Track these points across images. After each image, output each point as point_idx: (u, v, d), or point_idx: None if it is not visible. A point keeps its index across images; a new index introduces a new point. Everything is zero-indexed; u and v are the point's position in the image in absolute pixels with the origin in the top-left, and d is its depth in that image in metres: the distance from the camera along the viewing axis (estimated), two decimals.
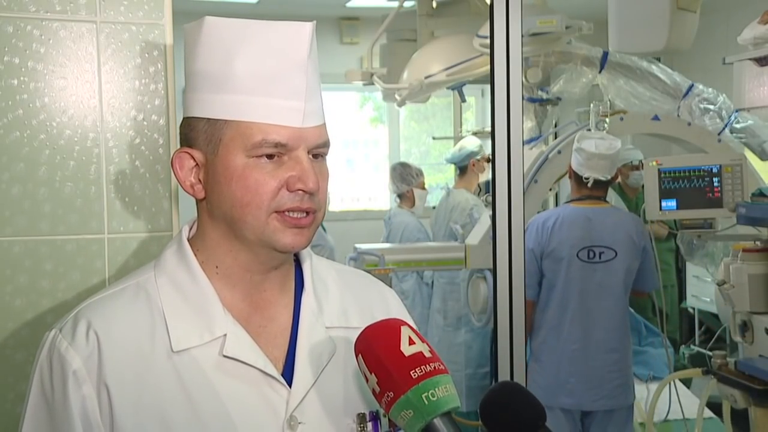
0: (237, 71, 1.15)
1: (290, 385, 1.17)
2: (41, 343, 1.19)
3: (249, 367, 1.16)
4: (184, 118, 1.22)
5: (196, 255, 1.21)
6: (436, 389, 1.04)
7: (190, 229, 1.26)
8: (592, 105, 3.73)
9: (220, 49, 1.16)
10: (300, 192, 1.16)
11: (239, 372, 1.16)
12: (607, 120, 3.70)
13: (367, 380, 1.08)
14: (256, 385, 1.16)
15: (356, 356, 1.09)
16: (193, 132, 1.19)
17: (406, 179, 5.29)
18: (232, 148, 1.16)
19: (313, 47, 1.17)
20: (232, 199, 1.16)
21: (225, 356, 1.15)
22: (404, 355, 1.05)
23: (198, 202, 1.23)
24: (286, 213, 1.16)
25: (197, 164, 1.20)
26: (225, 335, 1.16)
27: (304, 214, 1.17)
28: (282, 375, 1.18)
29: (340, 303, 1.27)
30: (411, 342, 1.07)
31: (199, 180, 1.20)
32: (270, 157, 1.15)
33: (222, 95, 1.16)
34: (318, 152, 1.19)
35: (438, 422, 1.03)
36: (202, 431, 1.13)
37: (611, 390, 3.53)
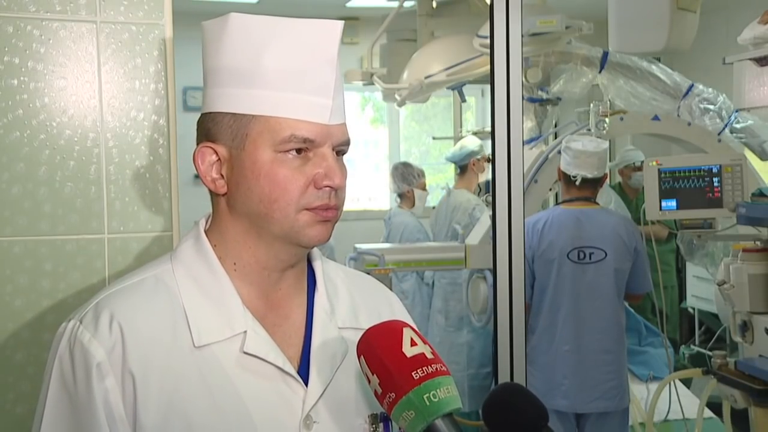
0: (266, 66, 1.15)
1: (306, 384, 1.17)
2: (58, 334, 1.17)
3: (268, 365, 1.16)
4: (204, 113, 1.21)
5: (214, 250, 1.21)
6: (438, 390, 1.04)
7: (206, 223, 1.25)
8: (592, 105, 3.73)
9: (248, 45, 1.16)
10: (327, 189, 1.16)
11: (258, 369, 1.16)
12: (607, 120, 3.70)
13: (369, 381, 1.08)
14: (274, 383, 1.16)
15: (358, 357, 1.09)
16: (217, 126, 1.19)
17: (407, 179, 5.29)
18: (260, 143, 1.16)
19: (340, 46, 1.18)
20: (260, 194, 1.16)
21: (245, 353, 1.15)
22: (406, 356, 1.05)
23: (216, 197, 1.22)
24: (316, 209, 1.17)
25: (219, 159, 1.19)
26: (245, 332, 1.16)
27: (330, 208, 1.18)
28: (298, 373, 1.18)
29: (350, 304, 1.28)
30: (413, 343, 1.07)
31: (221, 175, 1.20)
32: (297, 152, 1.16)
33: (250, 90, 1.16)
34: (340, 149, 1.20)
35: (440, 423, 1.03)
36: (223, 426, 1.13)
37: (605, 391, 3.53)
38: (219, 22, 1.19)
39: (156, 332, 1.14)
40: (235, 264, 1.20)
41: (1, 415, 1.57)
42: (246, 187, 1.17)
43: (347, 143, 1.21)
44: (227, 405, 1.14)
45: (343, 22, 1.18)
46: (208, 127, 1.20)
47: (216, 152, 1.19)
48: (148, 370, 1.12)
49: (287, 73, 1.15)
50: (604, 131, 3.69)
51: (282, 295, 1.23)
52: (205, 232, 1.23)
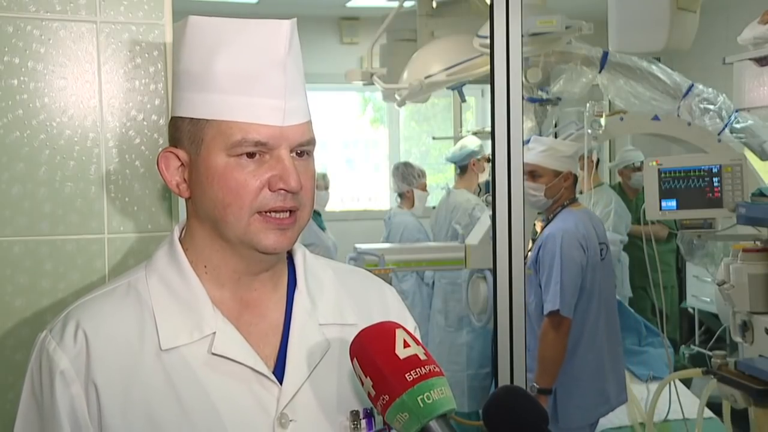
0: (217, 70, 1.15)
1: (282, 383, 1.17)
2: (34, 343, 1.20)
3: (239, 365, 1.16)
4: (171, 118, 1.22)
5: (186, 254, 1.21)
6: (432, 392, 1.03)
7: (182, 229, 1.26)
8: (588, 105, 3.73)
9: (202, 49, 1.16)
10: (282, 191, 1.15)
11: (229, 370, 1.16)
12: (602, 120, 3.71)
13: (362, 383, 1.08)
14: (246, 383, 1.16)
15: (351, 360, 1.09)
16: (178, 132, 1.20)
17: (407, 179, 5.29)
18: (213, 147, 1.16)
19: (293, 44, 1.16)
20: (214, 199, 1.16)
21: (214, 354, 1.15)
22: (399, 358, 1.05)
23: (186, 201, 1.23)
24: (268, 213, 1.16)
25: (182, 164, 1.20)
26: (214, 333, 1.16)
27: (287, 214, 1.17)
28: (274, 373, 1.18)
29: (335, 300, 1.27)
30: (406, 345, 1.07)
31: (184, 180, 1.21)
32: (251, 156, 1.15)
33: (203, 94, 1.16)
34: (302, 150, 1.19)
35: (434, 425, 1.03)
36: (191, 429, 1.13)
37: (624, 387, 3.51)
38: (181, 25, 1.20)
39: (122, 338, 1.15)
40: (205, 267, 1.21)
41: (1, 414, 1.57)
42: (202, 192, 1.18)
43: (309, 143, 1.19)
44: (195, 407, 1.14)
45: (292, 21, 1.16)
46: (171, 132, 1.22)
47: (178, 157, 1.20)
48: (112, 377, 1.13)
49: (237, 76, 1.15)
50: (600, 131, 3.70)
51: (257, 294, 1.23)
52: (182, 236, 1.24)
